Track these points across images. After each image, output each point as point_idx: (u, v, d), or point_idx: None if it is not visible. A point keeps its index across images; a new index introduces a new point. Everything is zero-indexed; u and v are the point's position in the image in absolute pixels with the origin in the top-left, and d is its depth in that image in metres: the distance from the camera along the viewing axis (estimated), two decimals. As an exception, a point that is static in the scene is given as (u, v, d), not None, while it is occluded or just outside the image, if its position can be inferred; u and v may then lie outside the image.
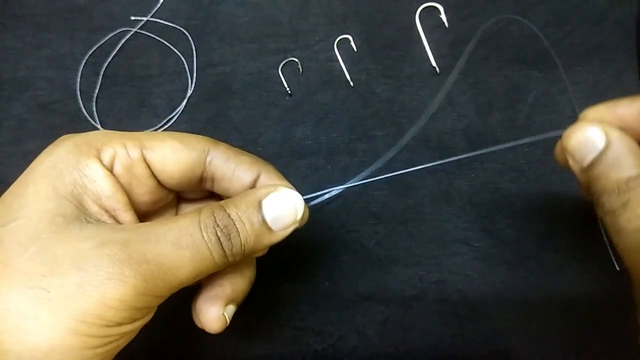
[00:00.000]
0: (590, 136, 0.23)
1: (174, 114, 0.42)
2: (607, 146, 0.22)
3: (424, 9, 0.42)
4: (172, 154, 0.26)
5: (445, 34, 0.42)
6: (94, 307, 0.20)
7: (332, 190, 0.30)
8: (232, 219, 0.24)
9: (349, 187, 0.30)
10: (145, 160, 0.25)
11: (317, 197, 0.29)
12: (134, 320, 0.22)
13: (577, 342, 0.36)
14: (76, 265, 0.20)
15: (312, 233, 0.39)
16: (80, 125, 0.42)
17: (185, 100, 0.42)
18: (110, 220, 0.24)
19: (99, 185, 0.23)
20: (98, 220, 0.23)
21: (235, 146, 0.42)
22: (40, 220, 0.21)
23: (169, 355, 0.38)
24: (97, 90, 0.43)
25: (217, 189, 0.28)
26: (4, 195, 0.23)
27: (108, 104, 0.42)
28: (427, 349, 0.37)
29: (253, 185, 0.28)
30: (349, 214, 0.39)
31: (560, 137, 0.25)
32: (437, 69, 0.41)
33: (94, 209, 0.23)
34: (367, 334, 0.37)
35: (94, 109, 0.42)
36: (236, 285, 0.28)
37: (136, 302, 0.21)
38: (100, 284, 0.20)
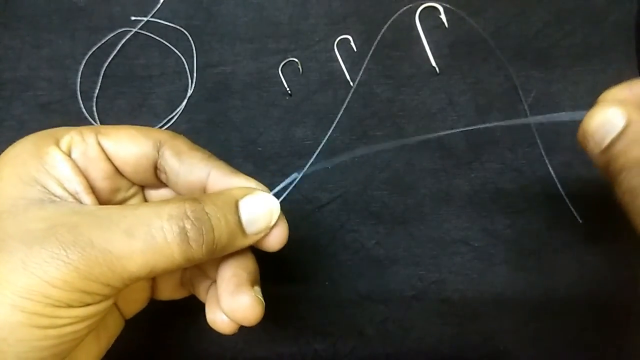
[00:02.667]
0: (610, 117, 0.22)
1: (174, 114, 0.42)
2: (628, 125, 0.22)
3: (424, 9, 0.42)
4: (126, 139, 0.26)
5: (445, 34, 0.42)
6: (37, 284, 0.20)
7: (294, 175, 0.29)
8: (207, 213, 0.23)
9: (307, 172, 0.29)
10: (100, 144, 0.26)
11: (282, 189, 0.28)
12: (85, 304, 0.22)
13: (577, 342, 0.36)
14: (24, 242, 0.20)
15: (312, 233, 0.39)
16: (80, 125, 0.41)
17: (186, 101, 0.42)
18: (75, 202, 0.24)
19: (59, 170, 0.24)
20: (63, 201, 0.23)
21: (235, 146, 0.42)
22: (1, 204, 0.22)
23: (169, 356, 0.38)
24: (97, 90, 0.43)
25: (170, 183, 0.28)
26: None
27: (108, 104, 0.42)
28: (427, 349, 0.37)
29: (202, 184, 0.27)
30: (348, 214, 0.39)
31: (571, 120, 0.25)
32: (437, 69, 0.41)
33: (59, 192, 0.24)
34: (367, 334, 0.37)
35: (94, 109, 0.42)
36: (249, 268, 0.27)
37: (81, 285, 0.21)
38: (44, 262, 0.20)
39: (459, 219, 0.39)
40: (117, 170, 0.27)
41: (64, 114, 0.42)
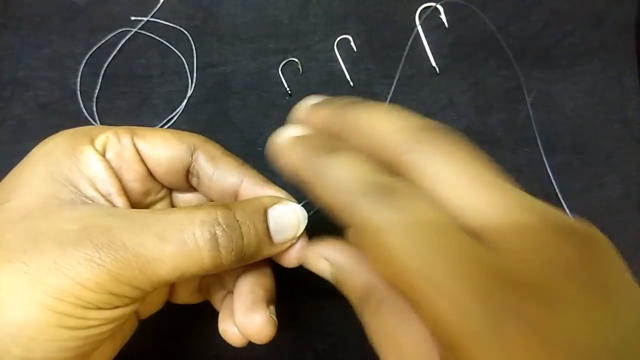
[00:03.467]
0: (321, 268, 0.24)
1: (174, 114, 0.42)
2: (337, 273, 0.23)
3: (424, 9, 0.42)
4: (161, 142, 0.26)
5: (445, 34, 0.42)
6: (69, 285, 0.20)
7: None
8: (237, 220, 0.23)
9: None
10: (135, 146, 0.26)
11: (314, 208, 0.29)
12: (114, 307, 0.22)
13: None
14: (57, 243, 0.20)
15: (312, 233, 0.39)
16: (80, 126, 0.41)
17: (186, 101, 0.42)
18: (106, 204, 0.24)
19: (93, 170, 0.24)
20: (94, 203, 0.23)
21: (235, 146, 0.42)
22: (33, 202, 0.22)
23: (169, 356, 0.38)
24: (97, 91, 0.43)
25: (201, 187, 0.28)
26: (2, 181, 0.24)
27: (108, 104, 0.42)
28: (427, 348, 0.37)
29: (235, 190, 0.27)
30: (349, 214, 0.39)
31: None
32: (437, 69, 0.41)
33: (90, 192, 0.24)
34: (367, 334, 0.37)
35: (94, 109, 0.42)
36: (266, 286, 0.27)
37: (112, 287, 0.21)
38: (77, 264, 0.20)
39: (459, 219, 0.39)
40: (150, 173, 0.27)
41: (64, 114, 0.42)
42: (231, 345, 0.37)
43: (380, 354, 0.21)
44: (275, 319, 0.27)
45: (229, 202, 0.25)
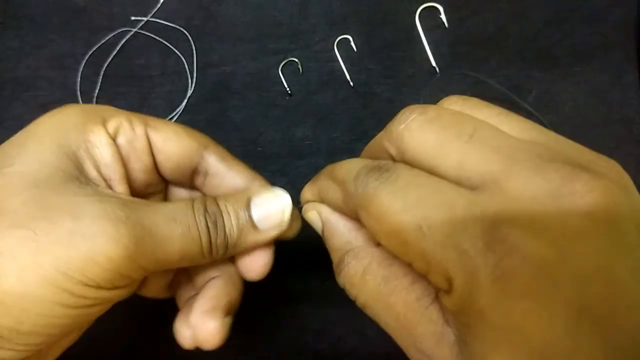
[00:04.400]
0: (312, 218, 0.26)
1: (174, 114, 0.42)
2: (324, 224, 0.25)
3: (424, 9, 0.42)
4: (173, 136, 0.26)
5: (445, 34, 0.42)
6: (79, 259, 0.19)
7: None
8: (219, 209, 0.24)
9: None
10: (147, 137, 0.26)
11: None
12: (113, 287, 0.21)
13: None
14: (71, 213, 0.20)
15: (312, 233, 0.39)
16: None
17: (186, 101, 0.42)
18: (107, 189, 0.24)
19: (100, 152, 0.23)
20: (96, 185, 0.23)
21: (235, 146, 0.42)
22: (39, 171, 0.21)
23: (168, 356, 0.38)
24: (97, 90, 0.43)
25: (208, 185, 0.28)
26: (2, 145, 0.23)
27: (108, 104, 0.42)
28: (427, 349, 0.37)
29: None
30: (349, 214, 0.39)
31: None
32: (437, 69, 0.41)
33: (92, 174, 0.23)
34: (367, 334, 0.37)
35: (94, 109, 0.42)
36: (230, 296, 0.27)
37: (122, 265, 0.20)
38: (92, 236, 0.19)
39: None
40: (156, 166, 0.27)
41: (64, 114, 0.42)
42: (232, 345, 0.37)
43: (365, 308, 0.22)
44: (228, 329, 0.26)
45: (216, 195, 0.25)
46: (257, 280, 0.28)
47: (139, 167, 0.26)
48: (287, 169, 0.40)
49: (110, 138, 0.24)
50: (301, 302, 0.38)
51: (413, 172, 0.19)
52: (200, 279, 0.29)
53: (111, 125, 0.24)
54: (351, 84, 0.42)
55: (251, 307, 0.36)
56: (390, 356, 0.37)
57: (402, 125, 0.20)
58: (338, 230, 0.24)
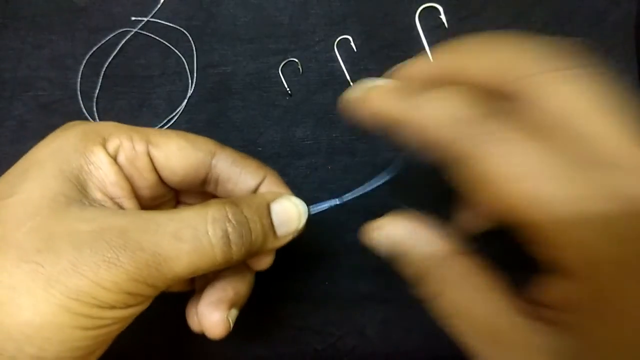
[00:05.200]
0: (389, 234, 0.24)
1: (174, 114, 0.42)
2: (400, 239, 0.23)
3: (424, 9, 0.42)
4: (177, 151, 0.26)
5: (445, 35, 0.42)
6: (87, 285, 0.20)
7: (334, 201, 0.30)
8: (245, 217, 0.24)
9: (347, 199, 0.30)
10: (149, 154, 0.25)
11: (317, 205, 0.29)
12: (127, 306, 0.22)
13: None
14: (73, 245, 0.20)
15: (312, 233, 0.39)
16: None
17: (186, 101, 0.42)
18: (114, 207, 0.24)
19: (104, 172, 0.24)
20: (101, 206, 0.23)
21: (235, 146, 0.42)
22: (42, 198, 0.21)
23: (168, 355, 0.38)
24: (97, 91, 0.43)
25: (220, 191, 0.28)
26: (5, 174, 0.23)
27: (108, 104, 0.42)
28: (427, 349, 0.37)
29: (256, 189, 0.28)
30: (349, 214, 0.39)
31: None
32: (437, 69, 0.41)
33: (97, 195, 0.23)
34: (367, 334, 0.37)
35: (95, 109, 0.42)
36: (238, 289, 0.28)
37: (129, 287, 0.21)
38: (95, 265, 0.20)
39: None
40: (162, 180, 0.27)
41: (65, 114, 0.42)
42: (232, 345, 0.37)
43: (449, 326, 0.21)
44: (232, 322, 0.27)
45: (234, 199, 0.25)
46: (264, 270, 0.29)
47: (143, 184, 0.26)
48: (287, 169, 0.40)
49: (111, 157, 0.24)
50: (301, 302, 0.38)
51: (532, 129, 0.16)
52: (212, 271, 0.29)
53: (111, 145, 0.24)
54: (351, 84, 0.42)
55: (251, 307, 0.36)
56: (390, 356, 0.37)
57: (555, 72, 0.17)
58: (421, 241, 0.22)
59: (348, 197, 0.30)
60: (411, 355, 0.37)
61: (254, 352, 0.38)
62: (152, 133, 0.26)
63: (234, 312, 0.28)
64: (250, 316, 0.37)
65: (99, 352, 0.25)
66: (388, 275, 0.38)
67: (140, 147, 0.25)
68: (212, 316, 0.27)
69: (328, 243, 0.39)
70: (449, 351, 0.37)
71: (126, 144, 0.25)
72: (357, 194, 0.30)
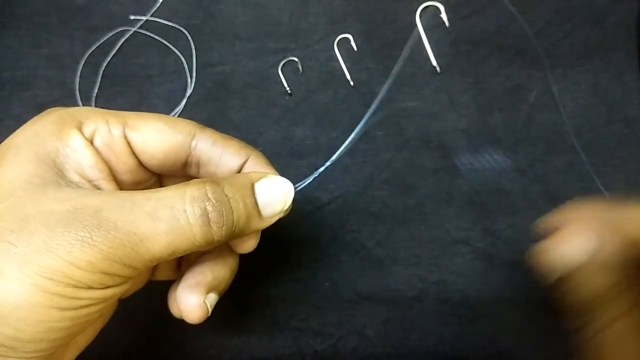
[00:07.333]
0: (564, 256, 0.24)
1: (173, 113, 0.42)
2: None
3: (424, 8, 0.42)
4: (155, 134, 0.25)
5: (446, 34, 0.42)
6: (61, 264, 0.20)
7: (315, 174, 0.29)
8: (226, 195, 0.23)
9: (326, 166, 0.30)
10: (126, 138, 0.25)
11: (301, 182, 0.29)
12: (105, 287, 0.21)
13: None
14: (46, 224, 0.20)
15: (312, 233, 0.39)
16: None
17: (185, 100, 0.42)
18: (92, 189, 0.24)
19: (81, 155, 0.23)
20: (78, 187, 0.23)
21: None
22: (16, 179, 0.21)
23: (167, 355, 0.38)
24: (96, 90, 0.42)
25: (203, 174, 0.28)
26: None
27: (107, 104, 0.42)
28: (427, 349, 0.37)
29: (240, 170, 0.27)
30: (349, 214, 0.39)
31: None
32: (438, 68, 0.41)
33: (75, 177, 0.23)
34: (367, 335, 0.37)
35: (93, 108, 0.42)
36: (217, 273, 0.27)
37: (105, 266, 0.21)
38: (68, 244, 0.20)
39: (459, 219, 0.38)
40: (141, 164, 0.26)
41: (63, 114, 0.42)
42: (231, 345, 0.37)
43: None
44: (210, 307, 0.27)
45: (216, 178, 0.24)
46: (247, 253, 0.28)
47: (123, 168, 0.25)
48: (287, 169, 0.40)
49: (87, 140, 0.24)
50: (301, 303, 0.38)
51: None
52: (192, 254, 0.29)
53: (87, 129, 0.24)
54: (351, 83, 0.42)
55: (251, 307, 0.36)
56: (390, 356, 0.37)
57: None
58: (601, 272, 0.22)
59: (328, 163, 0.29)
60: (411, 355, 0.37)
61: (253, 352, 0.37)
62: (130, 116, 0.25)
63: (212, 297, 0.27)
64: (250, 317, 0.37)
65: (84, 340, 0.25)
66: (388, 275, 0.38)
67: (116, 131, 0.25)
68: (188, 300, 0.26)
69: (328, 243, 0.39)
70: (450, 352, 0.37)
71: (102, 127, 0.24)
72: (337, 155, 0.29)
